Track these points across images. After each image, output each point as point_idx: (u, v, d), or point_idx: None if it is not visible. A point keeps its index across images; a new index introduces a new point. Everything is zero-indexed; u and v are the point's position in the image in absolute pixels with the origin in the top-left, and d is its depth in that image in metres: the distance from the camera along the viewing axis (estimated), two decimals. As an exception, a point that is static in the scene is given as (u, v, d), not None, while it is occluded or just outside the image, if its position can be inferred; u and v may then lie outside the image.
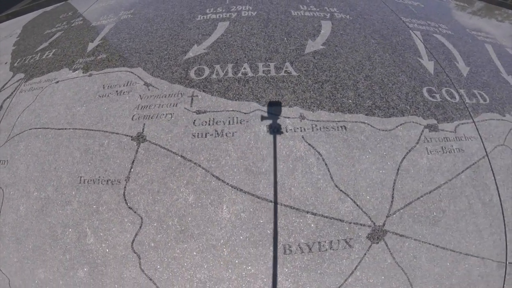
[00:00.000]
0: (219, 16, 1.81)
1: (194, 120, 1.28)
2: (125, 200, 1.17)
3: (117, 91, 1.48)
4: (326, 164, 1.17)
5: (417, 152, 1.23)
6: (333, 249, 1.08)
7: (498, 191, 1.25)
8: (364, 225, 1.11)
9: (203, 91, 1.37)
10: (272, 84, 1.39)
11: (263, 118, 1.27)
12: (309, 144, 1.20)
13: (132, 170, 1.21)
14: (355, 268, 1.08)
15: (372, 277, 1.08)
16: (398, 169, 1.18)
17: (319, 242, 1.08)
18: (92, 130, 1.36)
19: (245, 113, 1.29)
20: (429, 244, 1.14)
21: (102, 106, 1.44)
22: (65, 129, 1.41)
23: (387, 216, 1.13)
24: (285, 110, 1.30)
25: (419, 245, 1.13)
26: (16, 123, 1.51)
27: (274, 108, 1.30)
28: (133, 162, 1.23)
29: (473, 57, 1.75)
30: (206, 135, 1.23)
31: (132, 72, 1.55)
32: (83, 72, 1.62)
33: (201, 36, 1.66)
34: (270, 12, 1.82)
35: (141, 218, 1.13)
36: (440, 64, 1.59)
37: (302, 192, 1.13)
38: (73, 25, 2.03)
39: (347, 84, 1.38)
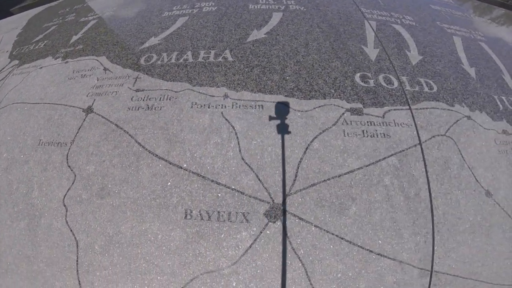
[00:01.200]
0: (183, 12, 2.22)
1: (132, 97, 1.62)
2: (67, 159, 1.52)
3: (82, 74, 1.93)
4: (237, 138, 1.38)
5: (331, 133, 1.37)
6: (231, 221, 1.22)
7: (428, 185, 1.20)
8: (263, 200, 1.23)
9: (146, 74, 1.72)
10: (207, 68, 1.68)
11: (190, 96, 1.55)
12: (226, 119, 1.44)
13: (77, 134, 1.57)
14: (250, 246, 1.13)
15: (267, 259, 1.10)
16: (306, 148, 1.32)
17: (218, 212, 1.25)
18: (57, 104, 1.79)
19: (175, 92, 1.59)
20: (332, 234, 1.10)
21: (68, 86, 1.88)
22: (38, 103, 1.87)
23: (287, 195, 1.22)
24: (212, 90, 1.56)
25: (321, 233, 1.11)
26: (3, 99, 2.03)
27: (203, 88, 1.57)
28: (79, 128, 1.59)
29: (431, 47, 1.83)
30: (138, 108, 1.55)
31: (97, 60, 1.99)
32: (61, 60, 2.12)
33: (160, 29, 2.06)
34: (230, 6, 2.18)
35: (75, 175, 1.46)
36: (387, 52, 1.72)
37: (210, 161, 1.35)
38: (66, 20, 2.64)
39: (275, 68, 1.60)
